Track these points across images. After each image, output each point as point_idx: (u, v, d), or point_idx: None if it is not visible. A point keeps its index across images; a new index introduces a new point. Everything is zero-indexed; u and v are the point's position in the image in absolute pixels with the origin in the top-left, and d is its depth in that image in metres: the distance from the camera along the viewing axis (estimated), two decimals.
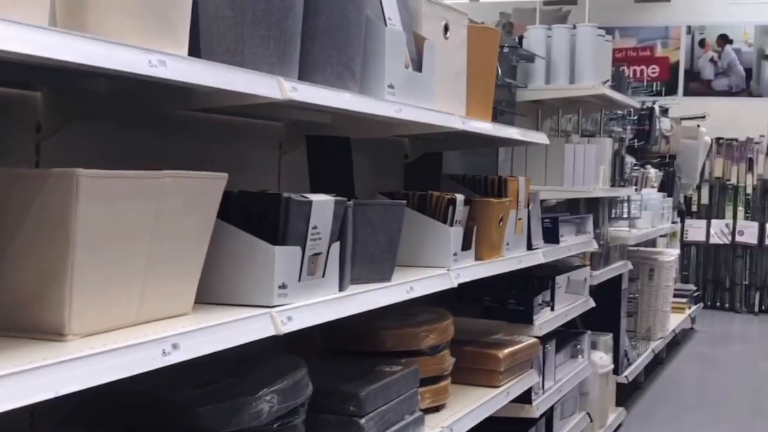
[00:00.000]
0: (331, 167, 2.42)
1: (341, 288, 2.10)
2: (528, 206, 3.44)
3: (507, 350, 3.24)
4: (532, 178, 4.37)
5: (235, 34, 1.80)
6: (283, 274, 1.84)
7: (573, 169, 4.39)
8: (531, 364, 3.50)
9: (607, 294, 4.94)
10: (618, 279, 5.08)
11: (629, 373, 5.35)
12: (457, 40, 2.84)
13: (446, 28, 2.79)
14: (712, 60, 10.27)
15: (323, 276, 2.01)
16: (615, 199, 5.29)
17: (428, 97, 2.52)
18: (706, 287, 9.72)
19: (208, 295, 1.80)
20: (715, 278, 9.81)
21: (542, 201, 3.86)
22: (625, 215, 5.61)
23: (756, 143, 9.73)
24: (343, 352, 2.71)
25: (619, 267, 5.03)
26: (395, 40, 2.37)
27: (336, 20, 2.10)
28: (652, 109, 6.90)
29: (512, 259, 3.20)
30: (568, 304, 4.03)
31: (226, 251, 1.82)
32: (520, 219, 3.31)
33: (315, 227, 1.93)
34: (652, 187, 6.85)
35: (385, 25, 2.33)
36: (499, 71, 3.99)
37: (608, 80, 4.57)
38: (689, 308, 7.98)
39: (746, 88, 10.05)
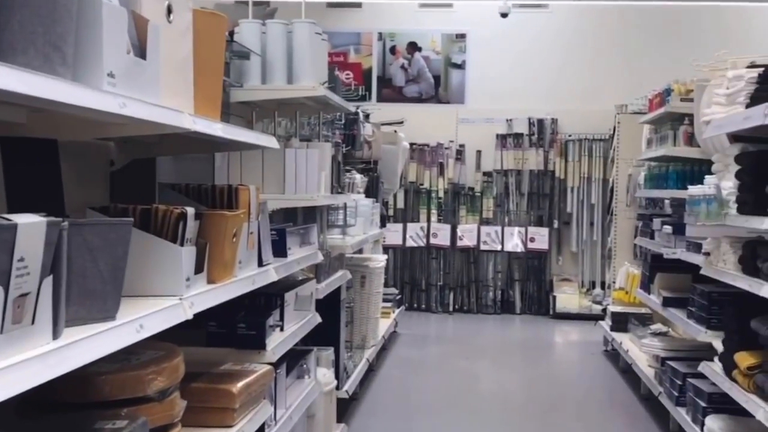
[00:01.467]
0: (34, 178, 1.89)
1: (55, 335, 1.61)
2: (258, 218, 3.06)
3: (241, 383, 2.84)
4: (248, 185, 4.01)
5: None
6: None
7: (295, 176, 4.07)
8: (264, 395, 3.13)
9: (328, 306, 4.68)
10: (337, 290, 4.85)
11: (349, 386, 5.15)
12: (182, 25, 2.40)
13: (169, 10, 2.34)
14: (402, 67, 10.49)
15: (33, 323, 1.50)
16: (330, 207, 5.06)
17: (154, 89, 2.07)
18: (404, 289, 9.89)
19: None
20: (412, 280, 10.02)
21: None
22: (340, 222, 5.41)
23: (446, 148, 10.07)
24: (51, 404, 2.17)
25: (340, 277, 4.80)
26: (115, 18, 1.90)
27: None
28: (357, 114, 6.79)
29: (246, 279, 2.81)
30: (296, 322, 3.70)
31: None
32: (251, 233, 2.93)
33: (21, 259, 1.43)
34: (359, 192, 6.74)
35: None
36: None
37: (326, 81, 4.31)
38: (394, 312, 8.02)
39: (435, 95, 10.39)
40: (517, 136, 10.02)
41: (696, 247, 4.41)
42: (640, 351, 5.84)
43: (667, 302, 5.12)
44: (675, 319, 4.86)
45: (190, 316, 2.23)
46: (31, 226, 1.44)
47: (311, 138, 4.85)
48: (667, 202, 5.85)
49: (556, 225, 9.96)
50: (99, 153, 2.98)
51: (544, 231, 9.88)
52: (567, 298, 9.70)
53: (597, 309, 9.50)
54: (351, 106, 5.05)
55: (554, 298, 9.66)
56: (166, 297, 2.22)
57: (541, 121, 9.99)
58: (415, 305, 9.95)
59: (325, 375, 4.47)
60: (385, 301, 7.57)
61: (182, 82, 2.37)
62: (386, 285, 9.09)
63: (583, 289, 9.88)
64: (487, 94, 10.13)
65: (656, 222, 5.25)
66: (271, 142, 2.99)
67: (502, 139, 10.03)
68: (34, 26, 1.60)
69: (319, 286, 4.18)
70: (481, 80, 10.16)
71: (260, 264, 3.13)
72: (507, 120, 10.05)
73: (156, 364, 2.31)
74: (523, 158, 9.99)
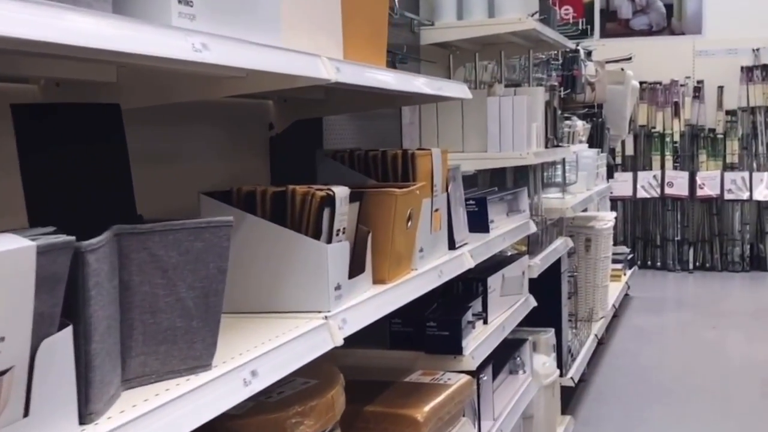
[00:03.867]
0: (81, 161, 1.30)
1: (84, 415, 1.02)
2: (447, 190, 2.39)
3: (429, 406, 2.20)
4: (447, 145, 3.34)
5: None
6: None
7: (499, 130, 3.35)
8: (463, 412, 2.48)
9: (546, 281, 3.95)
10: (557, 262, 4.10)
11: (574, 372, 4.41)
12: None
13: None
14: None
15: (25, 414, 0.92)
16: (547, 163, 4.29)
17: (265, 23, 1.43)
18: (635, 246, 8.92)
19: None
20: (645, 235, 9.02)
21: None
22: (559, 180, 4.63)
23: (681, 86, 8.90)
24: None
25: (559, 248, 4.04)
26: None
27: None
28: (576, 52, 5.92)
29: (429, 272, 2.15)
30: (504, 310, 3.02)
31: None
32: (437, 210, 2.27)
33: None
34: (581, 142, 5.90)
35: None
36: (396, 2, 2.92)
37: (536, 12, 3.53)
38: (625, 274, 7.14)
39: (667, 26, 9.20)
40: (766, 68, 8.67)
41: None
42: None
43: None
44: None
45: (339, 342, 1.60)
46: None
47: (521, 83, 4.09)
48: None
49: None
50: (251, 114, 2.42)
51: None
52: None
53: None
54: (569, 42, 4.23)
55: None
56: (304, 314, 1.60)
57: None
58: (649, 263, 8.94)
59: (544, 364, 3.75)
60: (614, 262, 6.69)
61: (322, 14, 1.71)
62: (615, 243, 8.17)
63: None
64: (729, 21, 8.83)
65: None
66: (458, 90, 2.29)
67: (747, 71, 8.72)
68: None
69: (533, 262, 3.46)
70: (722, 4, 8.87)
71: (452, 246, 2.46)
72: (753, 50, 8.71)
73: (302, 401, 1.71)
74: None
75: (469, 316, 2.62)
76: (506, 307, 3.04)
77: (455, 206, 2.52)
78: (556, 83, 4.60)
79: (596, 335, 5.16)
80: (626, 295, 7.22)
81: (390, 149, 2.19)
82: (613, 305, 6.02)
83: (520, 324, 3.32)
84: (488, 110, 3.37)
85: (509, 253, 3.34)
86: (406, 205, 1.97)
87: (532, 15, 3.45)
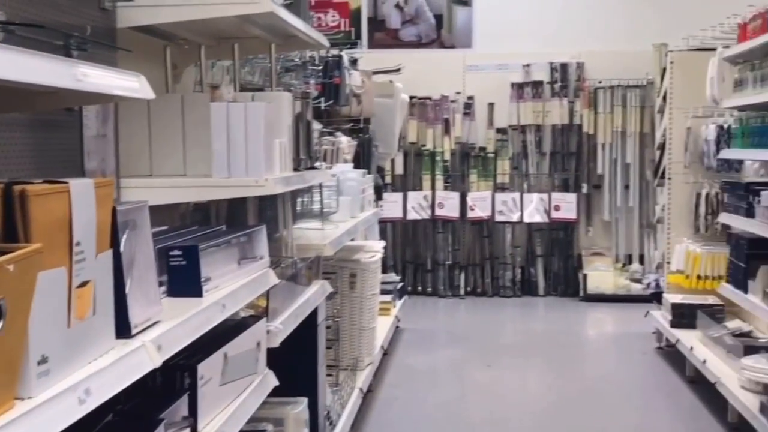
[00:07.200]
0: None
1: None
2: (112, 246, 1.48)
3: None
4: (163, 167, 2.43)
5: None
6: None
7: (228, 148, 2.47)
8: None
9: (296, 337, 3.11)
10: (312, 313, 3.26)
11: None
12: None
13: None
14: (397, 5, 8.82)
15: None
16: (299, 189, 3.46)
17: None
18: (405, 271, 8.33)
19: None
20: (415, 259, 8.46)
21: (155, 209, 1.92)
22: (317, 206, 3.82)
23: (452, 101, 8.42)
24: None
25: (313, 297, 3.20)
26: None
27: None
28: (340, 58, 5.18)
29: (65, 395, 1.23)
30: (227, 404, 2.13)
31: None
32: (83, 285, 1.35)
33: None
34: (346, 161, 5.14)
35: None
36: None
37: None
38: (395, 306, 6.47)
39: (437, 38, 8.72)
40: (537, 85, 8.37)
41: None
42: (735, 373, 4.27)
43: None
44: None
45: None
46: None
47: (263, 88, 3.23)
48: None
49: (584, 189, 8.35)
50: None
51: (571, 197, 8.28)
52: (600, 277, 8.13)
53: (636, 288, 7.97)
54: (325, 40, 3.43)
55: (585, 276, 8.10)
56: None
57: (564, 66, 8.33)
58: (420, 289, 8.38)
59: None
60: (383, 293, 5.99)
61: None
62: (384, 269, 7.50)
63: (618, 264, 8.31)
64: (500, 36, 8.45)
65: None
66: (121, 81, 1.39)
67: (518, 88, 8.38)
68: None
69: (274, 326, 2.59)
70: (492, 19, 8.48)
71: (125, 333, 1.55)
72: (524, 66, 8.39)
73: None
74: (543, 111, 8.34)
75: (162, 428, 1.72)
76: (230, 398, 2.16)
77: (136, 268, 1.61)
78: (312, 90, 3.79)
79: (361, 389, 4.39)
80: (397, 327, 6.56)
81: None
82: (382, 346, 5.30)
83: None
84: (213, 120, 2.48)
85: (240, 315, 2.47)
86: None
87: None
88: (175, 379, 1.91)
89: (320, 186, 3.57)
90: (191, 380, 1.92)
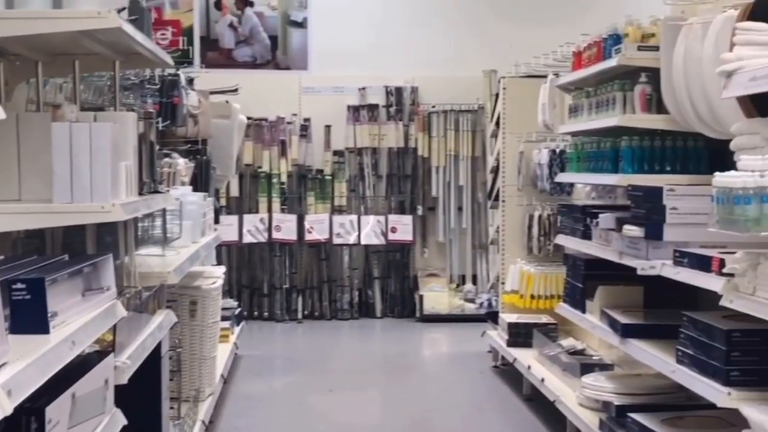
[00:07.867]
0: None
1: None
2: None
3: None
4: None
5: None
6: None
7: (71, 171, 2.30)
8: None
9: (139, 372, 2.93)
10: (157, 346, 3.08)
11: None
12: None
13: None
14: (231, 25, 8.67)
15: None
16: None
17: None
18: (242, 295, 8.15)
19: None
20: (251, 283, 8.30)
21: None
22: (158, 232, 3.65)
23: (288, 123, 8.35)
24: None
25: (158, 329, 3.03)
26: None
27: None
28: (177, 77, 5.01)
29: None
30: None
31: None
32: None
33: None
34: (183, 183, 4.96)
35: None
36: None
37: (125, 8, 2.54)
38: (233, 333, 6.30)
39: (272, 59, 8.64)
40: (372, 108, 8.44)
41: (700, 263, 2.97)
42: (573, 391, 4.40)
43: (627, 331, 3.68)
44: (652, 361, 3.42)
45: None
46: None
47: (103, 107, 3.06)
48: (619, 191, 4.42)
49: (420, 211, 8.47)
50: None
51: (407, 219, 8.37)
52: (435, 297, 8.25)
53: (470, 308, 8.14)
54: (169, 58, 3.28)
55: (421, 297, 8.20)
56: None
57: (399, 90, 8.45)
58: (257, 313, 8.23)
59: None
60: (223, 319, 5.81)
61: None
62: (222, 296, 7.31)
63: (452, 285, 8.47)
64: (335, 58, 8.47)
65: (607, 219, 3.81)
66: None
67: (354, 111, 8.42)
68: None
69: (122, 362, 2.43)
70: (327, 41, 8.48)
71: None
72: (359, 89, 8.44)
73: None
74: (379, 134, 8.42)
75: None
76: None
77: None
78: (152, 110, 3.62)
79: (203, 421, 4.22)
80: (236, 354, 6.39)
81: None
82: (222, 375, 5.14)
83: None
84: (54, 142, 2.31)
85: (85, 351, 2.29)
86: None
87: (119, 11, 2.45)
88: (20, 424, 1.73)
89: (164, 211, 3.41)
90: (38, 425, 1.75)
